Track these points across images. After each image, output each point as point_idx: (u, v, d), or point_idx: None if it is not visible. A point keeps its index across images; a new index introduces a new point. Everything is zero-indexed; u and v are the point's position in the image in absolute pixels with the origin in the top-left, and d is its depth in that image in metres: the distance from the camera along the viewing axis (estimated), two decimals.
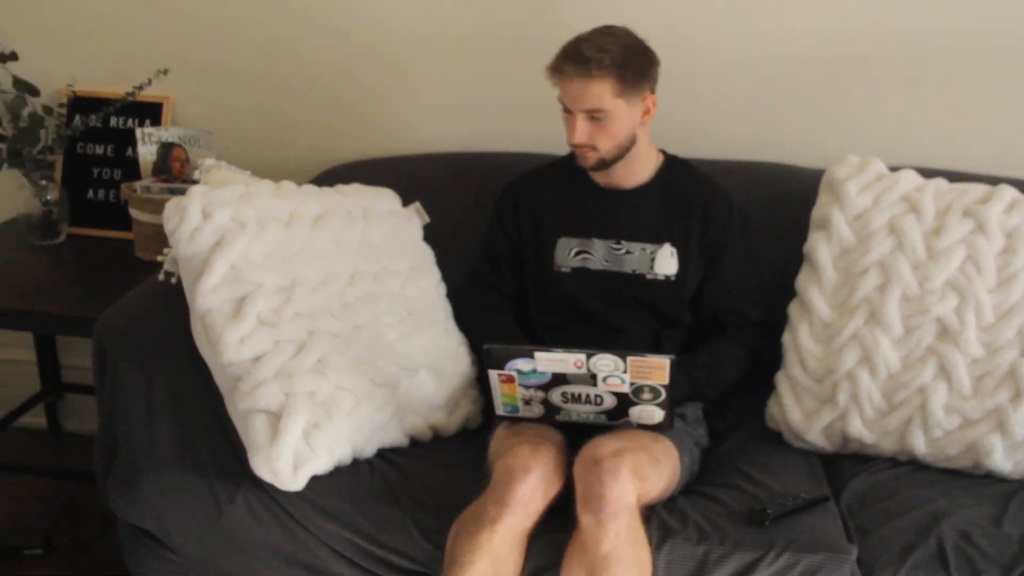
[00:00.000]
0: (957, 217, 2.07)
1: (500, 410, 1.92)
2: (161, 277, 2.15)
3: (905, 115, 2.46)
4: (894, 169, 2.18)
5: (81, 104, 2.69)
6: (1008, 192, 2.11)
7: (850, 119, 2.48)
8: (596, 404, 1.86)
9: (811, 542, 1.76)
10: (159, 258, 2.19)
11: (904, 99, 2.45)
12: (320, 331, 1.97)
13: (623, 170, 2.13)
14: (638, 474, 1.75)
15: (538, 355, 1.82)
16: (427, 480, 1.94)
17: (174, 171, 2.58)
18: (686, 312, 2.17)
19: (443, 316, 2.21)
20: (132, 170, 2.65)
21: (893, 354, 2.02)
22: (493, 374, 1.86)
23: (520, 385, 1.86)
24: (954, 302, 2.02)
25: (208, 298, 1.93)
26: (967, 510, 1.87)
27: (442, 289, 2.26)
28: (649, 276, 2.14)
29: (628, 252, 2.15)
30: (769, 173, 2.41)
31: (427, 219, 2.31)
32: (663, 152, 2.22)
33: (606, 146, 2.05)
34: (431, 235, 2.32)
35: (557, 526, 1.78)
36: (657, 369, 1.79)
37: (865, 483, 1.98)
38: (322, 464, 1.87)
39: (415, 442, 2.06)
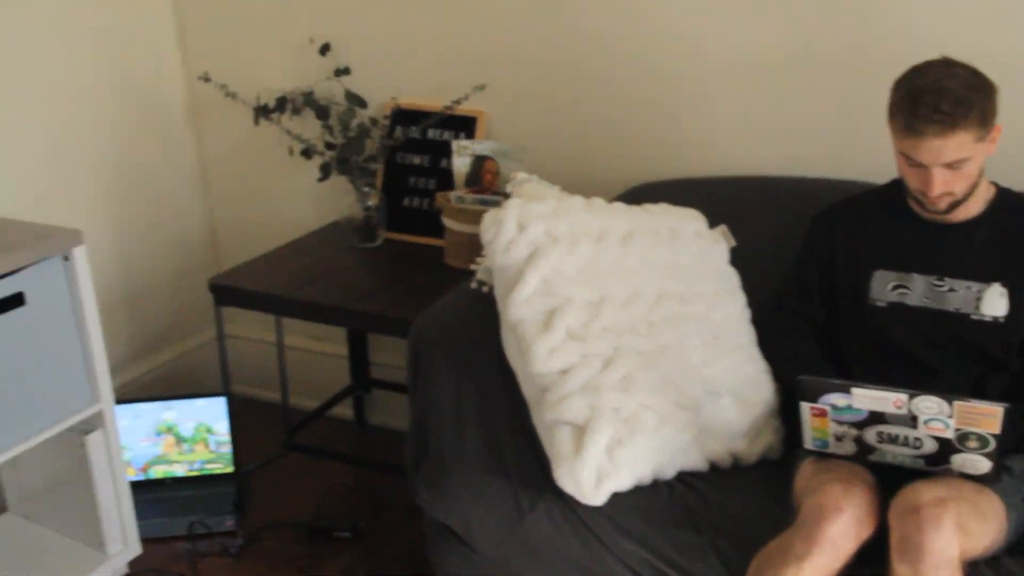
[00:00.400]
0: None
1: (809, 444, 1.85)
2: (473, 286, 2.23)
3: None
4: None
5: (402, 116, 2.84)
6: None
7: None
8: (914, 447, 1.76)
9: None
10: (471, 267, 2.29)
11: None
12: (626, 348, 1.99)
13: (963, 206, 2.00)
14: (961, 527, 1.64)
15: (855, 391, 1.75)
16: (728, 508, 1.91)
17: (485, 183, 2.68)
18: (1015, 358, 2.01)
19: (748, 342, 2.16)
20: (445, 180, 2.77)
21: None
22: (805, 407, 1.80)
23: (833, 420, 1.79)
24: None
25: (521, 309, 1.99)
26: None
27: (747, 314, 2.21)
28: (975, 316, 2.00)
29: (952, 290, 2.02)
30: None
31: (733, 242, 2.28)
32: (995, 184, 2.08)
33: (961, 188, 1.92)
34: (734, 259, 2.28)
35: (865, 572, 1.70)
36: (988, 417, 1.68)
37: None
38: (623, 481, 1.88)
39: (714, 468, 2.03)
